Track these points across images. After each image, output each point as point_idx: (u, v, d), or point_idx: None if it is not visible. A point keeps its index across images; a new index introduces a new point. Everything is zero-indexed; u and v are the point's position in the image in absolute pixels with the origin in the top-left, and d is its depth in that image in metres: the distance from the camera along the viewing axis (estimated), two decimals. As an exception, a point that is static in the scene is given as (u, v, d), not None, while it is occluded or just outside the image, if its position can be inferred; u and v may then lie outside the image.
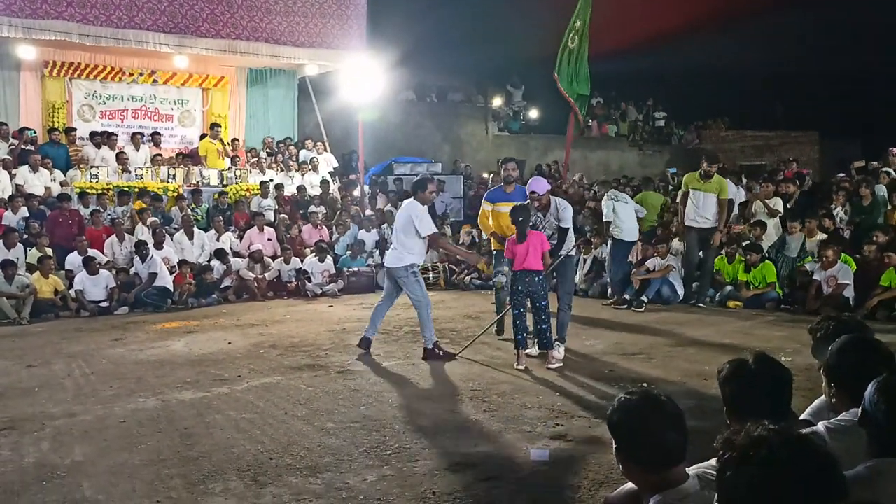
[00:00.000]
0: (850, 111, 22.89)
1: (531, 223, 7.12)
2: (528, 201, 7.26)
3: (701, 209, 10.10)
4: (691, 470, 2.32)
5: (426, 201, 7.52)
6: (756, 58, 23.44)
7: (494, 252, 8.24)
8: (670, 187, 15.56)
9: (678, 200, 10.88)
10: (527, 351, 7.07)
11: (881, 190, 11.09)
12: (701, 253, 10.33)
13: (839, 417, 2.71)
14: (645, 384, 6.28)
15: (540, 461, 4.46)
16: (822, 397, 2.99)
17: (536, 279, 6.95)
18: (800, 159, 16.69)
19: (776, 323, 8.84)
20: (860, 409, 2.37)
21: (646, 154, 24.05)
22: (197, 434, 5.11)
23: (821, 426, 2.70)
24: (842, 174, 13.51)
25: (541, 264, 7.00)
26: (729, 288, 10.34)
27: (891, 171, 12.03)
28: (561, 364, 6.85)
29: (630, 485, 2.48)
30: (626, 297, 10.43)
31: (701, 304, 10.21)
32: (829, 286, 9.31)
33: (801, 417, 3.04)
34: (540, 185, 7.32)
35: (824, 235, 10.28)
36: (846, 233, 10.71)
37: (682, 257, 10.84)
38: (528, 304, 7.02)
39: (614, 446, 2.34)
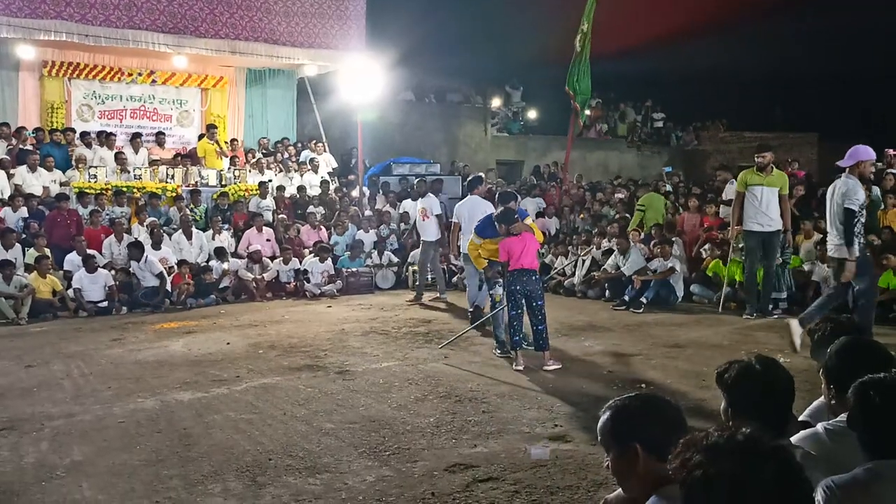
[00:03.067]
0: (848, 113, 22.88)
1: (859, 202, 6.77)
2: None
3: (764, 209, 8.97)
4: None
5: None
6: (755, 59, 23.46)
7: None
8: (668, 187, 15.53)
9: (732, 202, 9.72)
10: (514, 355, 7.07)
11: (876, 191, 11.11)
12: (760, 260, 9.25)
13: (838, 419, 2.72)
14: (643, 385, 6.28)
15: (540, 460, 4.47)
16: (822, 398, 3.00)
17: (533, 278, 6.97)
18: (798, 160, 16.67)
19: (774, 324, 8.84)
20: (849, 414, 2.39)
21: (644, 155, 24.05)
22: (196, 434, 5.12)
23: (819, 427, 2.70)
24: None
25: (536, 263, 7.05)
26: (727, 289, 10.35)
27: (894, 172, 12.04)
28: (559, 366, 6.85)
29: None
30: (626, 297, 10.43)
31: (752, 315, 9.18)
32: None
33: (801, 418, 3.05)
34: (869, 153, 6.97)
35: (820, 236, 10.28)
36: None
37: (680, 262, 10.87)
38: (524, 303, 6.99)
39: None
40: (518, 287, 6.94)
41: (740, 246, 9.66)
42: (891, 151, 13.55)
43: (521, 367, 6.81)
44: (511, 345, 7.09)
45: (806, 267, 9.98)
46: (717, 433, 1.62)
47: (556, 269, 12.04)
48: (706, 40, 22.07)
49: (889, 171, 12.25)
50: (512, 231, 6.97)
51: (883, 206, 10.84)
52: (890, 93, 22.52)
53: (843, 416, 2.69)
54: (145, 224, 12.22)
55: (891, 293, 8.86)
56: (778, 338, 7.90)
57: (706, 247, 11.13)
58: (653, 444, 2.22)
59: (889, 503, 2.11)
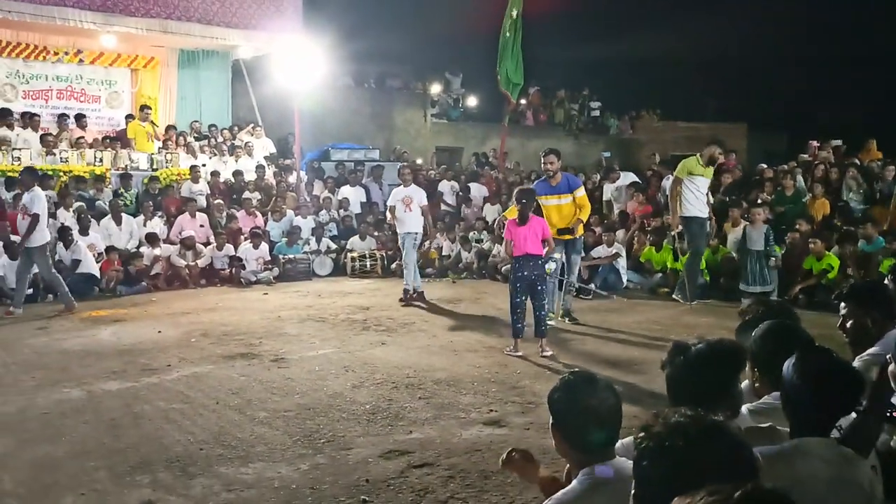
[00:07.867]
0: (776, 103, 23.63)
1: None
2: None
3: (701, 197, 9.30)
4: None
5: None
6: (688, 49, 23.95)
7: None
8: (597, 175, 15.74)
9: (669, 190, 9.83)
10: None
11: (800, 181, 11.52)
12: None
13: (761, 401, 2.80)
14: (578, 368, 6.34)
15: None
16: (746, 381, 3.07)
17: (539, 262, 6.91)
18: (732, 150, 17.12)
19: (703, 310, 9.08)
20: (780, 393, 2.47)
21: (581, 143, 24.34)
22: (124, 425, 4.98)
23: (744, 409, 2.78)
24: (764, 165, 13.94)
25: (541, 248, 6.93)
26: (658, 276, 10.58)
27: (820, 165, 12.47)
28: (552, 353, 6.77)
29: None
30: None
31: (692, 302, 9.31)
32: None
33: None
34: None
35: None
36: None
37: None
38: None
39: (552, 422, 2.36)
40: (525, 273, 6.86)
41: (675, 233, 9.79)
42: (814, 143, 14.04)
43: (520, 353, 6.77)
44: (513, 332, 6.96)
45: (735, 254, 10.26)
46: (688, 415, 1.73)
47: (494, 255, 12.08)
48: (642, 29, 22.46)
49: (815, 162, 12.68)
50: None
51: (807, 196, 11.21)
52: (814, 83, 23.40)
53: (766, 398, 2.78)
54: (71, 210, 11.76)
55: (817, 277, 9.18)
56: (708, 323, 8.11)
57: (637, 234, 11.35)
58: (568, 432, 2.31)
59: (805, 474, 2.22)
